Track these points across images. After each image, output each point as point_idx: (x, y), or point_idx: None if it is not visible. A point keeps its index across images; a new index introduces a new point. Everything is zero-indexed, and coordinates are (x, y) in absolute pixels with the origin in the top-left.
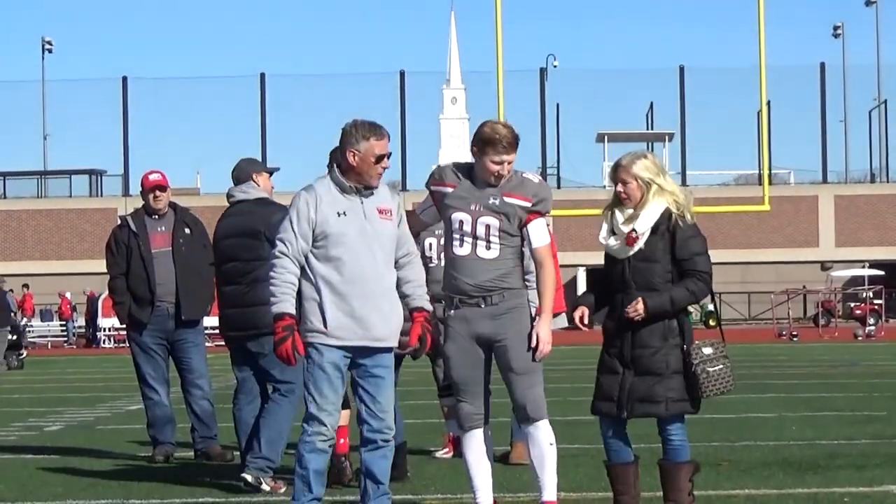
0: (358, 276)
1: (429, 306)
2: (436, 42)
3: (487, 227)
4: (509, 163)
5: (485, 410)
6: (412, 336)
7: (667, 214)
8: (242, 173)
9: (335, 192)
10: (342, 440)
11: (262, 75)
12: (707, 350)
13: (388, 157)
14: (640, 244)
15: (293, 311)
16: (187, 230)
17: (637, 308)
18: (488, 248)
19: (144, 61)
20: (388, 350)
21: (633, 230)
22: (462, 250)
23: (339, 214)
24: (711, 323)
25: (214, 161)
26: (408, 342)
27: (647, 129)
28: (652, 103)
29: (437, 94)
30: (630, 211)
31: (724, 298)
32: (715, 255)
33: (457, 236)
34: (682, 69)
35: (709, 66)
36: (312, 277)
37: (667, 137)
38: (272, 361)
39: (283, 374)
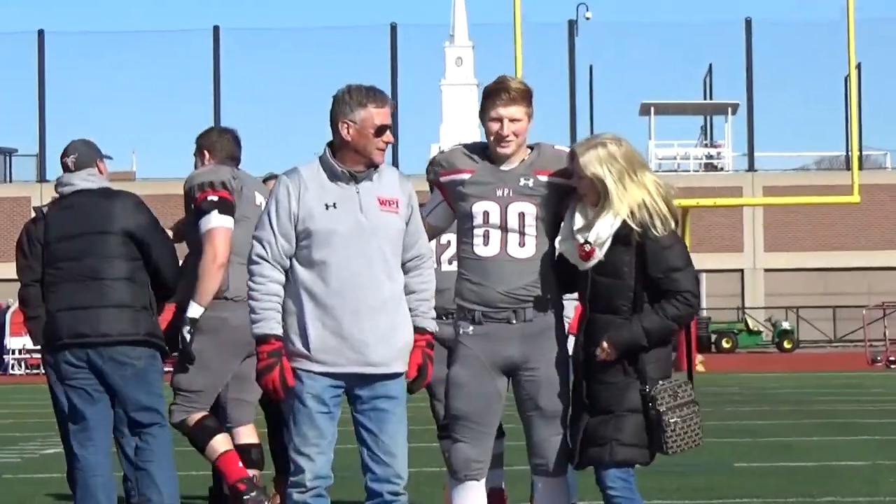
0: (349, 285)
1: (433, 327)
2: None
3: (521, 215)
4: (513, 120)
5: (490, 456)
6: (410, 364)
7: (632, 220)
8: (85, 157)
9: (324, 179)
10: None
11: (216, 29)
12: (672, 391)
13: (390, 130)
14: (596, 258)
15: (280, 331)
16: None
17: (603, 352)
18: (522, 243)
19: (66, 12)
20: (392, 377)
21: (586, 242)
22: (489, 249)
23: (327, 207)
24: (787, 345)
25: (154, 138)
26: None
27: (704, 98)
28: (710, 66)
29: (438, 53)
30: (590, 211)
31: (803, 314)
32: (790, 259)
33: (480, 232)
34: (748, 23)
35: (782, 18)
36: (293, 286)
37: (729, 109)
38: (133, 383)
39: (149, 398)
